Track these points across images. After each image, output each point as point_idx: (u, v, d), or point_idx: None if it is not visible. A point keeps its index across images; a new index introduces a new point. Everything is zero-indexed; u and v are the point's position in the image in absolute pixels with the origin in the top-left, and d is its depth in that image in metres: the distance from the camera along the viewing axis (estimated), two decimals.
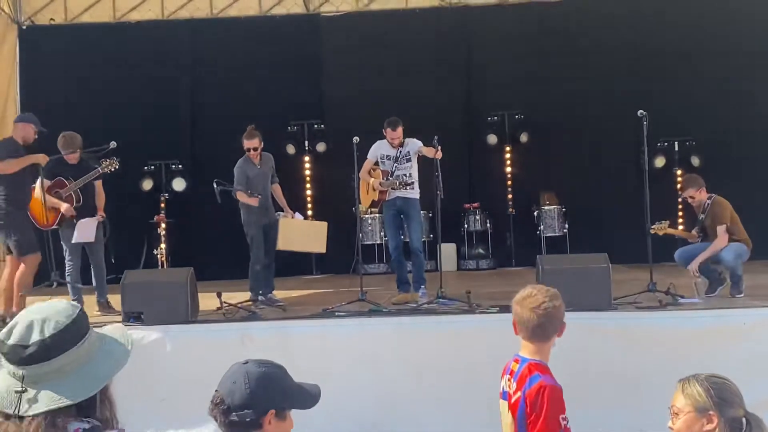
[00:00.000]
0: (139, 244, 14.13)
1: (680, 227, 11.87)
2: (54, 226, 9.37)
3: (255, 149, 9.77)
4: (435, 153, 9.02)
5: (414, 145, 9.49)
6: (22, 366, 2.23)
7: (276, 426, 2.62)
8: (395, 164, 9.50)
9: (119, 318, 8.35)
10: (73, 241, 9.27)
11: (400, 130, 9.47)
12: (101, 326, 2.54)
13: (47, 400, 2.23)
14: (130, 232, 12.23)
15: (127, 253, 13.23)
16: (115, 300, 8.85)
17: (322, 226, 10.05)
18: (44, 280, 9.22)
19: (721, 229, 8.82)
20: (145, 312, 7.88)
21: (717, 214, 8.93)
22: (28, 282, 8.71)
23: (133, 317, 7.91)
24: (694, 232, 9.30)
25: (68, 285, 9.39)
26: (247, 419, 2.58)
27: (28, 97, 15.64)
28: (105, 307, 9.35)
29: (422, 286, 9.24)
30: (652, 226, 9.01)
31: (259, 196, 9.58)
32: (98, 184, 9.62)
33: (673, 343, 7.17)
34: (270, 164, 10.03)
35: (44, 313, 2.28)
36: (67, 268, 9.45)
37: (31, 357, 2.22)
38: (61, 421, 2.22)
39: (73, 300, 9.22)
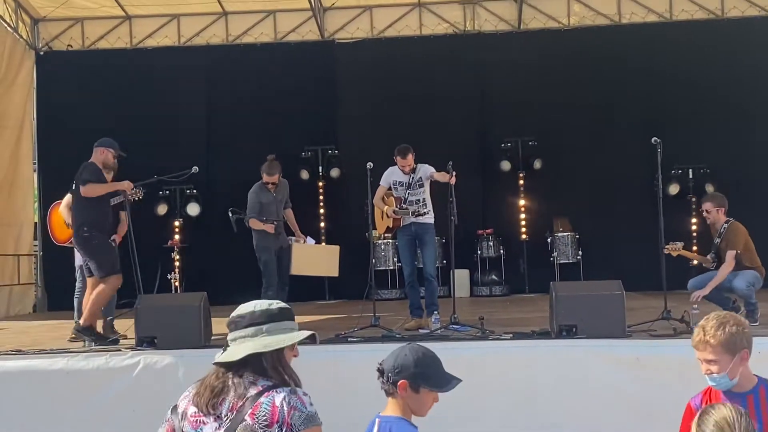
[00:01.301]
0: (153, 268, 14.16)
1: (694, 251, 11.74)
2: (68, 244, 9.54)
3: (274, 183, 9.83)
4: (449, 178, 9.01)
5: (426, 170, 9.49)
6: (233, 330, 3.24)
7: (410, 395, 3.53)
8: (408, 190, 9.51)
9: (110, 344, 8.42)
10: (76, 263, 9.45)
11: (410, 157, 9.46)
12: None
13: (226, 356, 3.17)
14: (144, 256, 12.20)
15: (141, 278, 13.26)
16: (127, 324, 8.85)
17: (334, 251, 10.05)
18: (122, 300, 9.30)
19: (730, 255, 8.77)
20: (158, 336, 7.87)
21: (730, 240, 8.89)
22: (107, 302, 8.74)
23: (146, 342, 7.90)
24: (709, 257, 9.26)
25: (75, 305, 9.47)
26: (389, 381, 3.56)
27: (45, 122, 15.80)
28: (108, 329, 9.35)
29: (435, 312, 9.20)
30: (666, 246, 8.97)
31: (275, 223, 9.62)
32: (123, 214, 9.64)
33: (688, 372, 7.07)
34: (285, 191, 10.08)
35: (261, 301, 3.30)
36: (76, 290, 9.53)
37: (238, 323, 3.24)
38: (246, 374, 3.12)
39: (77, 321, 9.30)
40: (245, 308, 3.25)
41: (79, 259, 9.53)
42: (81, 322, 8.52)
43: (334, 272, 10.03)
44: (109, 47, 15.81)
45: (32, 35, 15.76)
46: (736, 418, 3.00)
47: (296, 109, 15.19)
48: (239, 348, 3.16)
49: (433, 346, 7.95)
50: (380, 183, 9.69)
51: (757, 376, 3.80)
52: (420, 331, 8.86)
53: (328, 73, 15.52)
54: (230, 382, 3.13)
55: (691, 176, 14.61)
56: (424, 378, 3.54)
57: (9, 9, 14.97)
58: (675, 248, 9.11)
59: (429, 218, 9.56)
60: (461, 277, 14.36)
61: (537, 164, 15.02)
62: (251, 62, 15.50)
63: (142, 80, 15.42)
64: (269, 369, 3.15)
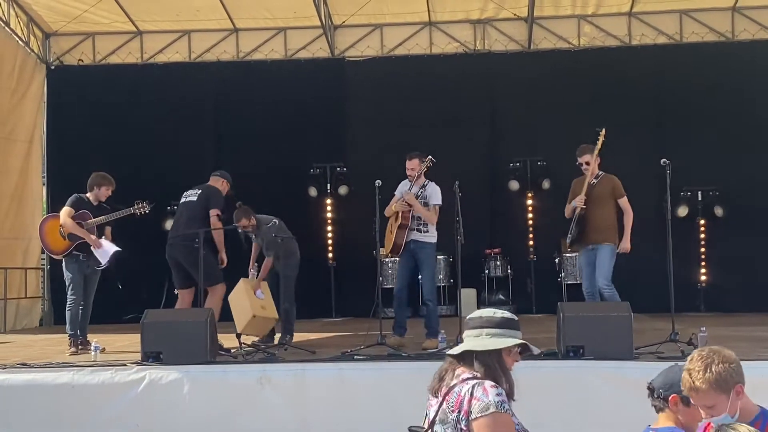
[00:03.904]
0: (160, 283, 14.17)
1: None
2: (60, 256, 9.62)
3: (245, 227, 10.00)
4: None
5: (433, 196, 9.43)
6: (465, 329, 3.77)
7: (681, 409, 3.67)
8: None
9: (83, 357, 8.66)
10: (66, 276, 9.61)
11: (415, 161, 9.44)
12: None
13: (454, 349, 3.74)
14: (151, 271, 12.24)
15: (147, 293, 13.27)
16: (134, 339, 8.84)
17: (247, 312, 9.86)
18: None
19: (624, 202, 9.29)
20: (164, 352, 7.87)
21: (615, 187, 9.25)
22: (217, 312, 8.95)
23: (152, 357, 7.89)
24: (577, 200, 9.32)
25: (67, 317, 9.52)
26: (660, 397, 3.78)
27: (55, 136, 15.85)
28: (82, 343, 9.50)
29: (441, 332, 9.15)
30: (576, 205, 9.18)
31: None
32: (108, 231, 9.82)
33: None
34: (264, 237, 10.06)
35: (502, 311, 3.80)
36: (68, 302, 9.59)
37: (468, 324, 3.75)
38: (461, 366, 3.64)
39: (70, 333, 9.38)
40: (476, 313, 3.80)
41: (68, 271, 9.63)
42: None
43: (239, 326, 9.79)
44: (119, 62, 15.88)
45: (44, 49, 15.84)
46: None
47: (305, 126, 15.22)
48: (463, 345, 3.69)
49: (439, 365, 7.91)
50: (395, 193, 9.73)
51: (760, 407, 3.60)
52: (428, 350, 8.80)
53: (337, 90, 15.55)
54: (448, 372, 3.67)
55: (700, 198, 14.58)
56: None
57: (21, 23, 15.06)
58: (579, 200, 9.26)
59: (428, 237, 9.47)
60: (468, 296, 14.31)
61: (545, 184, 14.99)
62: (261, 79, 15.53)
63: (152, 95, 15.47)
64: (478, 365, 3.58)
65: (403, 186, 9.64)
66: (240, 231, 9.98)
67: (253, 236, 10.19)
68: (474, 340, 3.67)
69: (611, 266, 9.20)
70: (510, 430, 3.46)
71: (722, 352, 3.49)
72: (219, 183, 9.87)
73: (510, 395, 3.58)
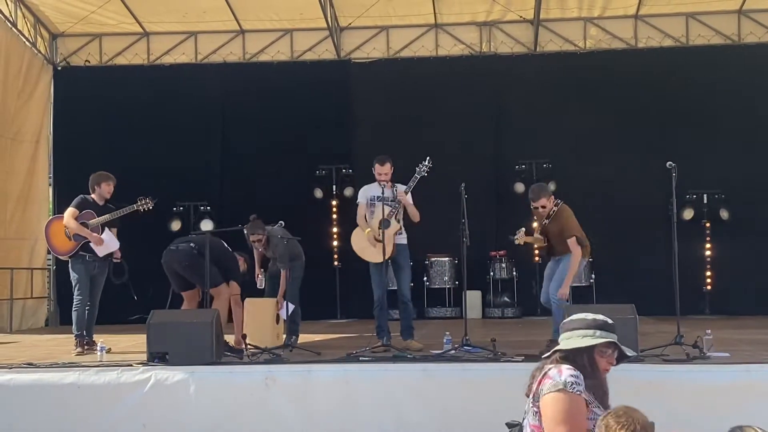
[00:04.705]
0: (165, 284, 14.20)
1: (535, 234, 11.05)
2: (67, 257, 9.65)
3: (258, 241, 10.00)
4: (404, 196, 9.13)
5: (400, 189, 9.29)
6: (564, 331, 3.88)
7: None
8: (391, 203, 9.26)
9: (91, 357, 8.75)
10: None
11: (388, 166, 9.31)
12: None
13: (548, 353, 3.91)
14: (157, 272, 12.26)
15: (153, 293, 13.30)
16: (140, 339, 8.85)
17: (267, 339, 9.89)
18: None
19: (572, 242, 9.16)
20: (170, 352, 7.88)
21: (565, 226, 9.24)
22: (223, 313, 8.95)
23: (157, 357, 7.90)
24: (539, 235, 9.49)
25: (73, 318, 9.55)
26: None
27: (61, 137, 15.88)
28: (88, 343, 9.57)
29: (447, 334, 9.14)
30: (515, 237, 9.40)
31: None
32: (114, 232, 9.88)
33: (701, 397, 7.06)
34: (275, 250, 10.02)
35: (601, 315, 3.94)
36: (74, 302, 9.63)
37: (565, 327, 3.90)
38: (547, 363, 3.76)
39: (76, 334, 9.42)
40: (571, 317, 3.98)
41: (75, 272, 9.66)
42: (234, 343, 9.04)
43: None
44: (126, 63, 15.92)
45: (50, 50, 15.88)
46: None
47: (311, 128, 15.23)
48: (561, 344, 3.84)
49: (445, 367, 7.95)
50: (358, 200, 9.58)
51: None
52: (432, 352, 8.80)
53: (343, 92, 15.55)
54: (539, 370, 3.80)
55: (705, 201, 14.57)
56: None
57: (28, 24, 15.11)
58: (520, 236, 9.41)
59: (404, 239, 9.39)
60: (473, 298, 14.34)
61: (551, 186, 14.94)
62: (267, 80, 15.56)
63: (159, 96, 15.51)
64: (566, 360, 3.71)
65: (368, 191, 9.43)
66: (248, 241, 10.00)
67: (261, 248, 10.14)
68: (565, 341, 3.81)
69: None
70: (577, 413, 3.42)
71: (640, 417, 3.42)
72: (241, 261, 9.84)
73: (602, 402, 3.58)
